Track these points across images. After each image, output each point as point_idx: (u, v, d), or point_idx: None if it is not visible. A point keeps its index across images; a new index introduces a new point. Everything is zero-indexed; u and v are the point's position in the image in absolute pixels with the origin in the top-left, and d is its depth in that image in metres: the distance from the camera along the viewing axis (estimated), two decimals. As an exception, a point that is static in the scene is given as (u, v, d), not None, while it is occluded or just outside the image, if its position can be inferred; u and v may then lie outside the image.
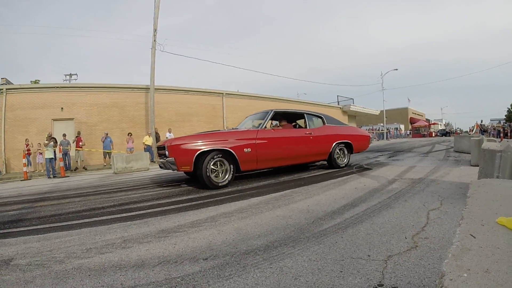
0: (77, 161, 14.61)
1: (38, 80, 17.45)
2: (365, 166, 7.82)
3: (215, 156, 5.43)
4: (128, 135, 15.84)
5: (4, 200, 6.09)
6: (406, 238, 2.46)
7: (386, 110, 43.16)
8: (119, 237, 2.95)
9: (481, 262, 0.98)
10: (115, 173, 11.00)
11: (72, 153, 14.53)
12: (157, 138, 16.03)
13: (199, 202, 4.42)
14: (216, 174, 5.49)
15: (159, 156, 6.14)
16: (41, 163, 13.94)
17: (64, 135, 14.33)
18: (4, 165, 14.80)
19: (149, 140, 15.47)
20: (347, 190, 4.72)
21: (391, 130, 44.93)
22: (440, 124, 65.12)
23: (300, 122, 7.73)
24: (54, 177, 11.43)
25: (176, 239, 2.76)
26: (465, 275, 0.91)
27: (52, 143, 12.29)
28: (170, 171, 6.40)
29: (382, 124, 43.50)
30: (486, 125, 32.06)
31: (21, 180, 11.23)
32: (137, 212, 3.99)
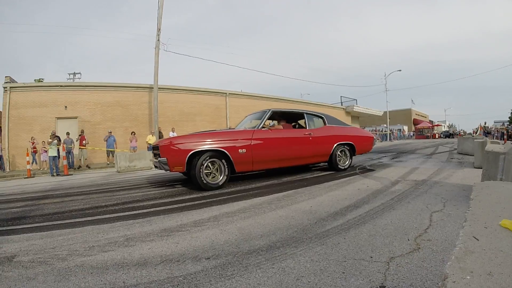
0: (80, 160, 14.67)
1: (42, 79, 17.54)
2: (368, 167, 7.80)
3: (209, 157, 5.33)
4: (131, 134, 15.88)
5: (7, 197, 6.13)
6: (408, 240, 2.46)
7: (389, 111, 43.01)
8: (121, 235, 2.96)
9: (484, 265, 0.98)
10: (118, 172, 11.04)
11: (75, 151, 14.58)
12: (161, 138, 16.04)
13: (202, 201, 4.42)
14: (211, 175, 5.39)
15: (154, 156, 6.05)
16: (45, 161, 14.01)
17: (68, 133, 14.41)
18: (8, 162, 14.88)
19: (152, 139, 15.48)
20: (350, 191, 4.71)
21: (394, 131, 44.79)
22: (444, 126, 64.90)
23: (301, 122, 7.52)
24: (57, 175, 11.47)
25: (179, 238, 2.77)
26: (468, 277, 0.91)
27: (55, 141, 12.33)
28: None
29: (385, 125, 43.36)
30: (489, 127, 31.86)
31: (24, 178, 11.30)
32: (140, 211, 4.00)
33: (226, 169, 5.48)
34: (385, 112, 41.76)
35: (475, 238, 1.20)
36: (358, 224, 2.96)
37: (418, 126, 52.00)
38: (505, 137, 23.89)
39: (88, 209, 4.31)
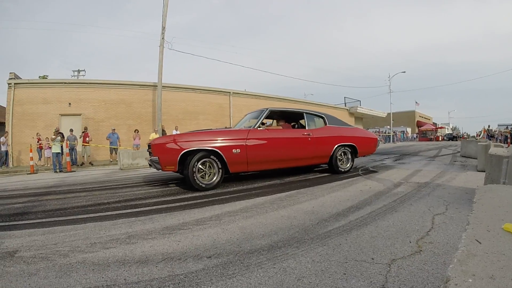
0: (83, 156, 14.71)
1: (46, 76, 17.59)
2: (371, 169, 7.79)
3: (202, 157, 5.19)
4: (134, 131, 15.92)
5: (10, 193, 6.16)
6: (410, 242, 2.45)
7: (393, 113, 42.89)
8: (123, 232, 2.97)
9: (486, 268, 0.98)
10: (121, 169, 11.08)
11: (78, 148, 14.63)
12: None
13: (204, 200, 4.43)
14: (203, 175, 5.26)
15: (149, 154, 5.92)
16: (48, 157, 14.07)
17: (71, 130, 14.43)
18: (12, 158, 14.96)
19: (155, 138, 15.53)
20: (352, 192, 4.70)
21: (397, 133, 44.66)
22: (447, 128, 64.67)
23: (301, 122, 7.26)
24: (60, 171, 11.52)
25: (181, 236, 2.78)
26: (470, 280, 0.91)
27: (59, 138, 12.39)
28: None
29: (388, 126, 43.26)
30: (493, 130, 31.70)
31: (27, 174, 11.34)
32: (142, 209, 4.01)
33: (220, 169, 5.35)
34: (388, 114, 41.67)
35: (477, 241, 1.19)
36: (360, 225, 2.96)
37: (422, 128, 51.82)
38: (509, 140, 23.76)
39: (90, 206, 4.32)
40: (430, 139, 44.79)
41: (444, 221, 3.01)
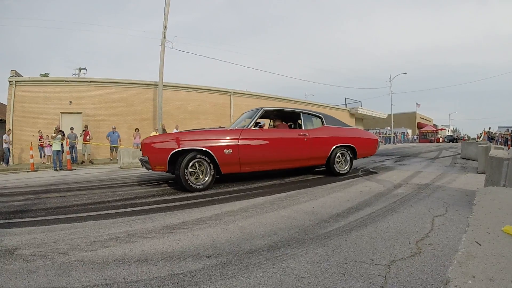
0: (84, 155, 14.73)
1: (48, 74, 17.59)
2: (371, 170, 7.79)
3: (194, 157, 5.06)
4: (135, 130, 15.93)
5: (10, 190, 6.17)
6: (410, 243, 2.45)
7: (393, 114, 42.85)
8: (123, 231, 2.97)
9: (486, 270, 0.98)
10: (121, 168, 11.07)
11: (79, 146, 14.65)
12: (164, 135, 16.08)
13: (205, 199, 4.43)
14: (196, 176, 5.14)
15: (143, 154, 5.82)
16: (49, 155, 14.08)
17: (72, 128, 14.46)
18: (12, 155, 14.96)
19: (155, 137, 15.53)
20: (352, 193, 4.70)
21: (398, 134, 44.62)
22: (448, 130, 64.58)
23: (298, 122, 6.97)
24: (60, 169, 11.52)
25: (180, 236, 2.78)
26: (470, 282, 0.91)
27: (59, 136, 12.40)
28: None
29: (389, 128, 43.23)
30: (494, 132, 31.64)
31: (27, 171, 11.35)
32: (142, 207, 4.01)
33: (212, 170, 5.23)
34: (389, 115, 41.63)
35: (477, 243, 1.19)
36: (359, 226, 2.96)
37: (422, 129, 51.76)
38: (509, 143, 23.74)
39: (90, 204, 4.32)
40: (431, 141, 44.75)
41: (444, 222, 3.01)
